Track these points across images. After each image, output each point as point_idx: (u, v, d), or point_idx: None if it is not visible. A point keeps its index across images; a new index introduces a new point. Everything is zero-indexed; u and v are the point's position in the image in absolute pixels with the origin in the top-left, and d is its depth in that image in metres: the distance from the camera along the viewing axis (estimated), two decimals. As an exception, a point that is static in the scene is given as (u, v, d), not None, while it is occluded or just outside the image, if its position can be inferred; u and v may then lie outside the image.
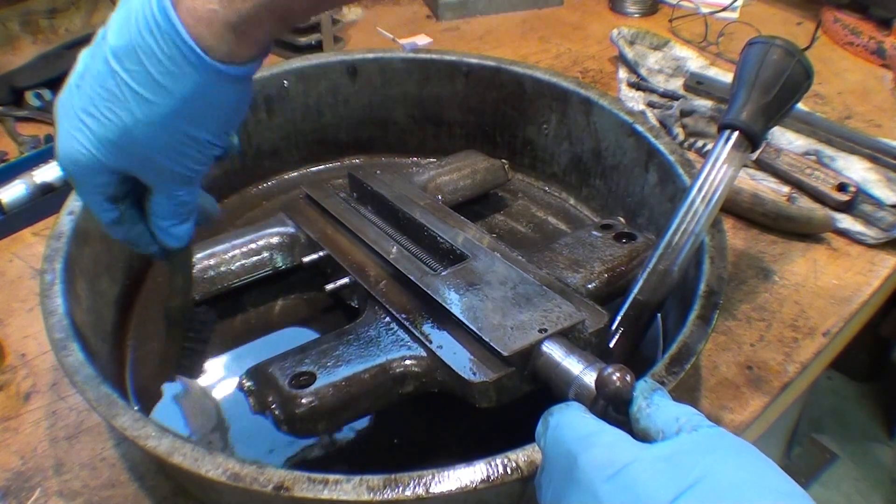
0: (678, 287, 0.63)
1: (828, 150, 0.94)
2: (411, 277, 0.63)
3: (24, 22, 1.13)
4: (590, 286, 0.65)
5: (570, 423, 0.41)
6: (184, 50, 0.43)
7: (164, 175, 0.49)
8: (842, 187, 0.86)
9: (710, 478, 0.34)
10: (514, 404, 0.54)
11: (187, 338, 0.64)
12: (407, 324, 0.60)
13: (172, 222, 0.52)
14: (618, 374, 0.41)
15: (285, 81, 0.88)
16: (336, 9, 0.50)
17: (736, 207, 0.85)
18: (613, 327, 0.62)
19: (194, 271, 0.71)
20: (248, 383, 0.56)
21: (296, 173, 0.94)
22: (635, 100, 1.04)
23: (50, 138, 0.96)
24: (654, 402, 0.41)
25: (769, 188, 0.89)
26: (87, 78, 0.46)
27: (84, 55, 0.47)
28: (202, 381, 0.68)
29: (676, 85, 1.07)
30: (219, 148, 0.49)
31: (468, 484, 0.46)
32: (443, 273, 0.63)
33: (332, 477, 0.46)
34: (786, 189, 0.89)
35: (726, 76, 1.07)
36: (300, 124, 0.92)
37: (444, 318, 0.59)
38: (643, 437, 0.40)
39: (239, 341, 0.72)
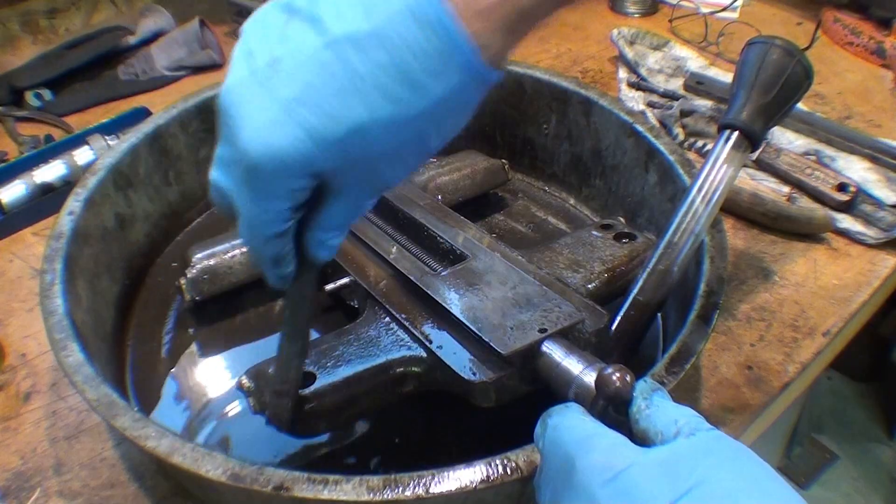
0: (678, 287, 0.63)
1: (828, 150, 0.94)
2: (411, 277, 0.63)
3: (24, 22, 1.13)
4: (590, 286, 0.65)
5: (568, 425, 0.41)
6: (453, 47, 0.37)
7: (370, 182, 0.42)
8: (842, 187, 0.86)
9: (706, 483, 0.34)
10: (514, 404, 0.54)
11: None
12: (407, 324, 0.59)
13: (336, 234, 0.44)
14: (618, 375, 0.41)
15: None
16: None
17: (736, 207, 0.85)
18: (613, 327, 0.62)
19: (194, 271, 0.71)
20: (248, 383, 0.56)
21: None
22: (635, 100, 1.04)
23: (50, 138, 0.96)
24: (653, 403, 0.41)
25: (769, 188, 0.89)
26: (293, 62, 0.38)
27: (261, 35, 0.39)
28: (201, 381, 0.69)
29: (676, 85, 1.07)
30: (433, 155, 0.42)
31: (468, 484, 0.46)
32: (443, 273, 0.63)
33: (332, 477, 0.46)
34: (786, 189, 0.89)
35: (726, 76, 1.06)
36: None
37: (444, 318, 0.59)
38: (642, 438, 0.40)
39: (239, 341, 0.72)
